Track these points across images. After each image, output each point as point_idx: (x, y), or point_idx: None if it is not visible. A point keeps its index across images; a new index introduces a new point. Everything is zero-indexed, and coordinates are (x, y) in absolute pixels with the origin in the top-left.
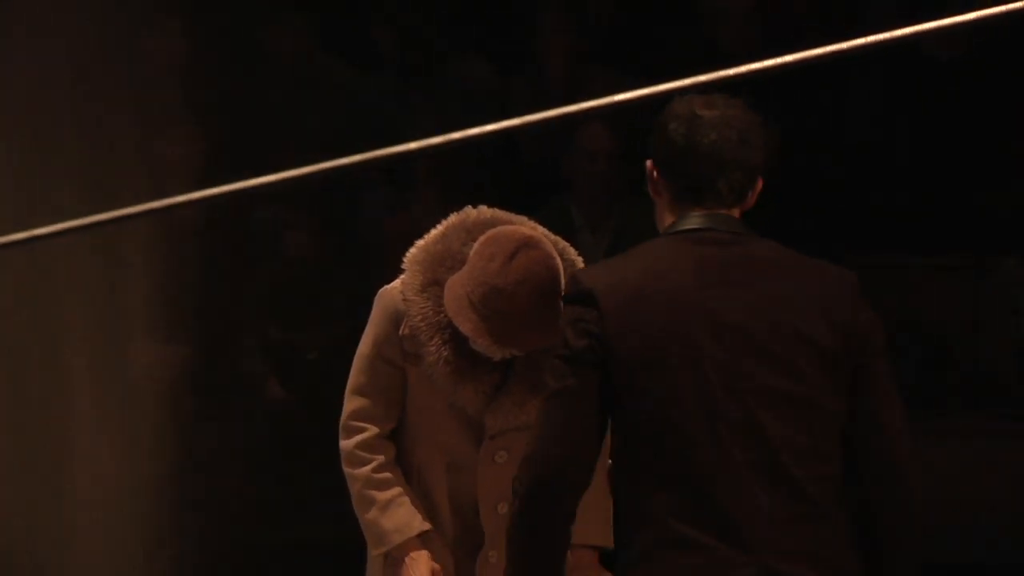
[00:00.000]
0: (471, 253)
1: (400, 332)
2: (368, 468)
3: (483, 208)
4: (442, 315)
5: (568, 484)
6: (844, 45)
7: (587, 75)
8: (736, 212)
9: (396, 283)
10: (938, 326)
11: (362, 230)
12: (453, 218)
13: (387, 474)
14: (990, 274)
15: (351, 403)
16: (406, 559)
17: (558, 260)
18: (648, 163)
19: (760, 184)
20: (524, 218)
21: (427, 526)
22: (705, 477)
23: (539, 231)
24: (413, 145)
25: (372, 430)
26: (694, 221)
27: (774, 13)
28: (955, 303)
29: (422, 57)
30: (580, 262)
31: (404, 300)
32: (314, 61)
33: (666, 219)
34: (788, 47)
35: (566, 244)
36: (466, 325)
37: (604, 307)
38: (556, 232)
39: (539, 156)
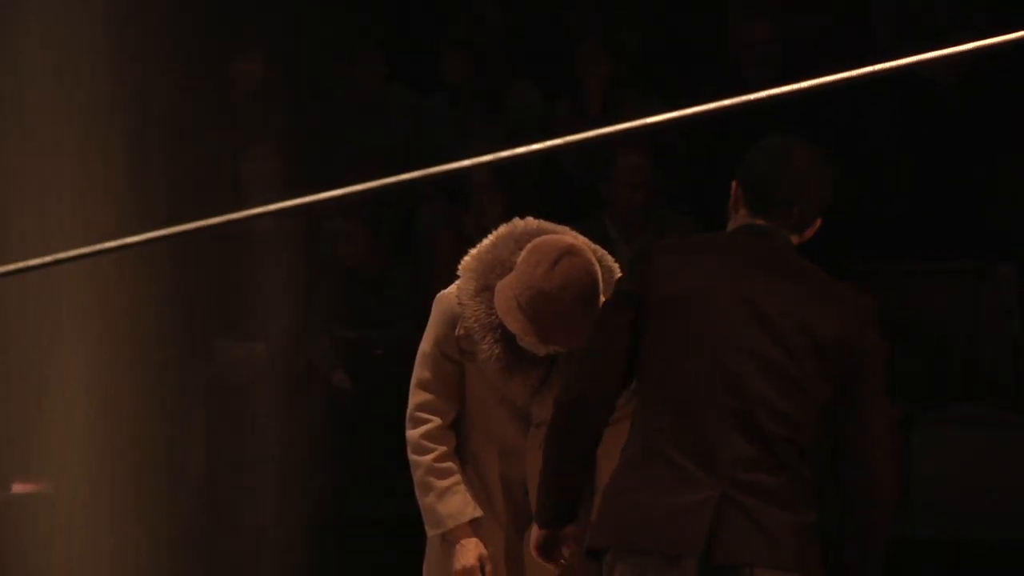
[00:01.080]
0: (519, 260)
1: (456, 333)
2: (430, 457)
3: (529, 219)
4: (493, 317)
5: (597, 396)
6: (854, 72)
7: (622, 99)
8: (795, 238)
9: (452, 288)
10: (939, 325)
11: (421, 239)
12: (503, 229)
13: (447, 463)
14: (987, 279)
15: (416, 396)
16: (457, 544)
17: (597, 266)
18: (734, 183)
19: (819, 223)
20: (567, 228)
21: (479, 513)
22: (694, 412)
23: (580, 240)
24: (467, 162)
25: (436, 421)
26: (757, 226)
27: (792, 43)
28: (955, 305)
29: (477, 84)
30: (617, 269)
31: (460, 304)
32: (380, 88)
33: None
34: (804, 74)
35: (604, 252)
36: (515, 325)
37: (656, 262)
38: (594, 243)
39: (579, 174)
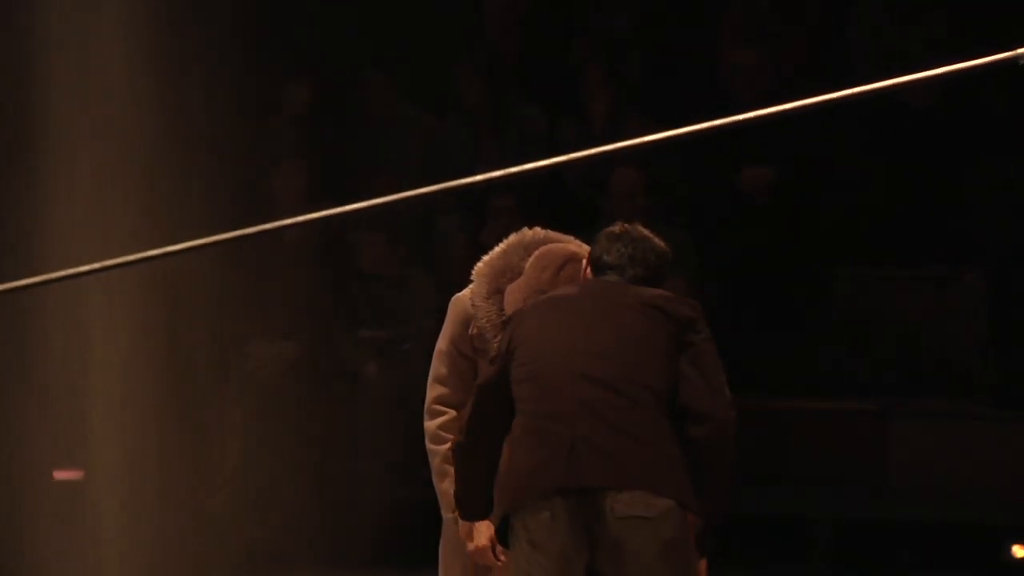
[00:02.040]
0: (527, 266)
1: (470, 331)
2: (447, 446)
3: (537, 229)
4: (504, 317)
5: (490, 438)
6: (835, 95)
7: (622, 120)
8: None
9: (466, 291)
10: (913, 326)
11: (438, 247)
12: (513, 238)
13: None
14: (956, 285)
15: (433, 390)
16: (471, 526)
17: None
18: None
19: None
20: (571, 238)
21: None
22: (549, 386)
23: (583, 248)
24: (479, 177)
25: (451, 413)
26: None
27: (777, 69)
28: (927, 308)
29: (488, 105)
30: None
31: (473, 305)
32: (397, 110)
33: None
34: (789, 96)
35: None
36: None
37: (514, 323)
38: None
39: (582, 189)
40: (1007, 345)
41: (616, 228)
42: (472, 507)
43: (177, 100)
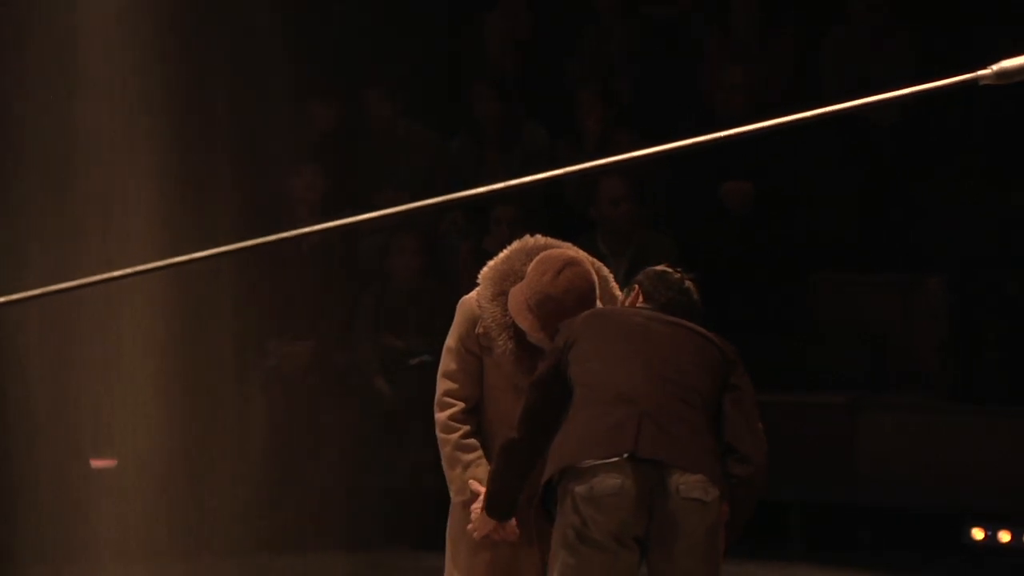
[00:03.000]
0: (528, 269)
1: (476, 331)
2: (457, 435)
3: (538, 236)
4: (507, 318)
5: (540, 438)
6: (809, 114)
7: (614, 137)
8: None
9: (472, 294)
10: (880, 327)
11: (443, 253)
12: (515, 244)
13: (471, 440)
14: (919, 289)
15: (443, 384)
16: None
17: (594, 274)
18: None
19: None
20: (569, 244)
21: None
22: (616, 372)
23: (581, 253)
24: (482, 189)
25: (460, 405)
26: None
27: (756, 89)
28: (893, 310)
29: (490, 122)
30: (611, 277)
31: (479, 306)
32: (406, 127)
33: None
34: (767, 115)
35: (600, 263)
36: (525, 324)
37: (570, 325)
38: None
39: (578, 200)
40: (965, 345)
41: (660, 270)
42: (503, 505)
43: (201, 114)
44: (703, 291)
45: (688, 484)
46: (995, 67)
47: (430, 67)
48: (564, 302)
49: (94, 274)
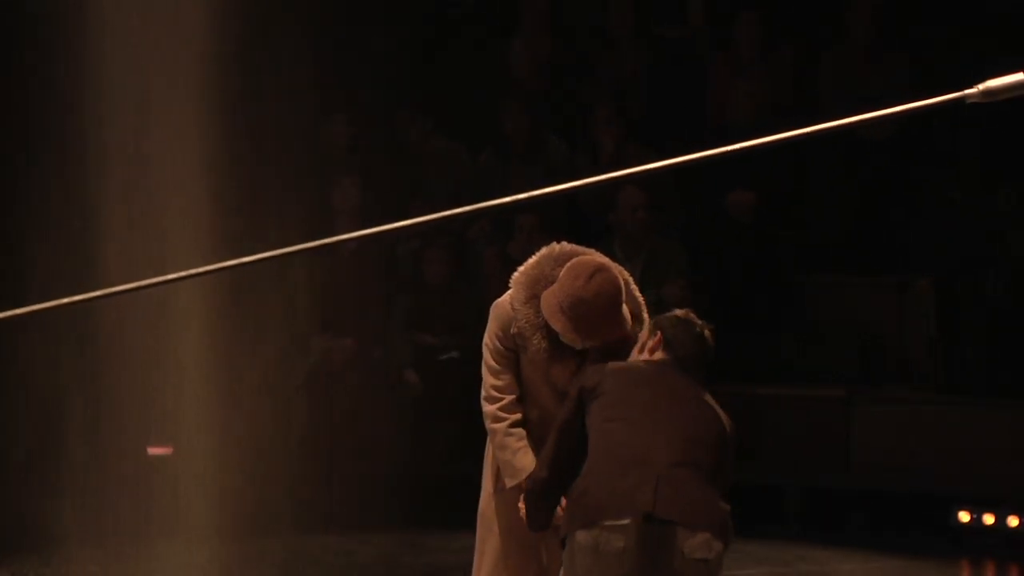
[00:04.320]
0: (561, 274)
1: (511, 331)
2: (506, 424)
3: (563, 243)
4: (540, 319)
5: (561, 481)
6: (808, 130)
7: (628, 151)
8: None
9: (505, 297)
10: (872, 326)
11: (472, 258)
12: (544, 251)
13: (519, 429)
14: (909, 290)
15: (489, 380)
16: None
17: (621, 280)
18: (659, 332)
19: None
20: (592, 250)
21: None
22: (637, 431)
23: (606, 259)
24: (507, 199)
25: (508, 397)
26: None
27: (761, 107)
28: (885, 310)
29: (517, 137)
30: (632, 280)
31: (513, 309)
32: (437, 142)
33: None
34: (770, 130)
35: (622, 269)
36: (558, 325)
37: (596, 372)
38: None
39: (594, 209)
40: (952, 341)
41: (683, 316)
42: (542, 525)
43: (251, 132)
44: (707, 293)
45: (693, 545)
46: (981, 86)
47: (460, 87)
48: (595, 304)
49: (152, 276)
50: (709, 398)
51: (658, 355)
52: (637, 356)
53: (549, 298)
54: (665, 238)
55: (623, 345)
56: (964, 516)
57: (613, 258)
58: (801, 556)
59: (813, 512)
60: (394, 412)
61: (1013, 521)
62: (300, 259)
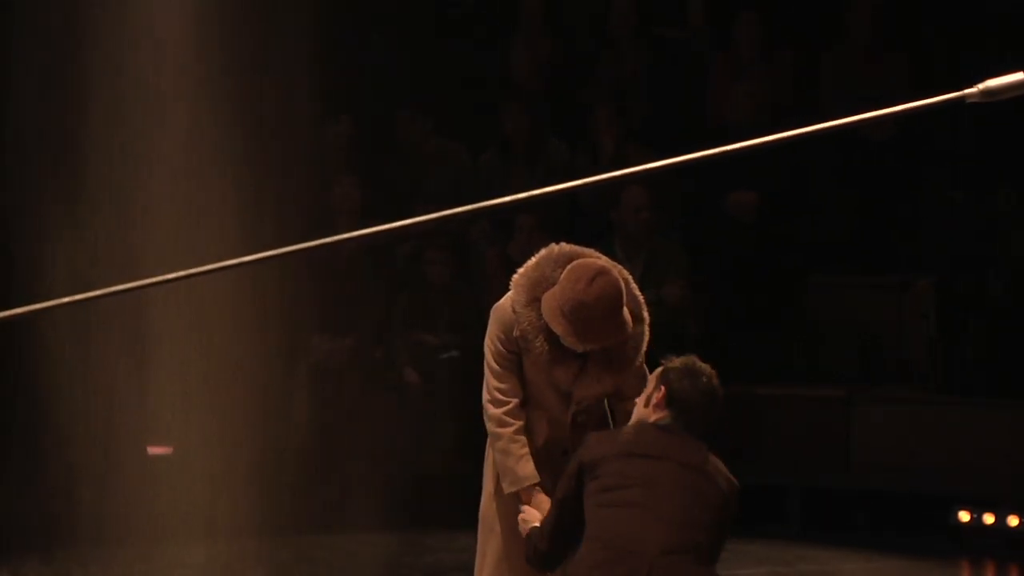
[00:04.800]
0: (561, 277)
1: (514, 334)
2: (510, 429)
3: (563, 244)
4: (542, 321)
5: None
6: (808, 129)
7: (628, 151)
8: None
9: (505, 300)
10: (873, 326)
11: (472, 258)
12: (543, 252)
13: (522, 436)
14: (909, 290)
15: (493, 383)
16: (535, 496)
17: (622, 282)
18: (663, 388)
19: None
20: (592, 250)
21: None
22: (628, 519)
23: (608, 262)
24: (507, 199)
25: (512, 401)
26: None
27: (761, 106)
28: (885, 310)
29: (518, 138)
30: (631, 279)
31: (514, 312)
32: (437, 142)
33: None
34: (770, 130)
35: (622, 268)
36: (559, 328)
37: (596, 448)
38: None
39: (595, 209)
40: (952, 342)
41: (690, 365)
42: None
43: (253, 132)
44: (707, 293)
45: None
46: (981, 86)
47: (460, 87)
48: (596, 308)
49: (155, 275)
50: (713, 462)
51: (662, 414)
52: (641, 411)
53: (550, 301)
54: (665, 238)
55: (623, 347)
56: (964, 516)
57: (613, 257)
58: (801, 556)
59: (813, 512)
60: (394, 412)
61: (1013, 521)
62: (300, 259)
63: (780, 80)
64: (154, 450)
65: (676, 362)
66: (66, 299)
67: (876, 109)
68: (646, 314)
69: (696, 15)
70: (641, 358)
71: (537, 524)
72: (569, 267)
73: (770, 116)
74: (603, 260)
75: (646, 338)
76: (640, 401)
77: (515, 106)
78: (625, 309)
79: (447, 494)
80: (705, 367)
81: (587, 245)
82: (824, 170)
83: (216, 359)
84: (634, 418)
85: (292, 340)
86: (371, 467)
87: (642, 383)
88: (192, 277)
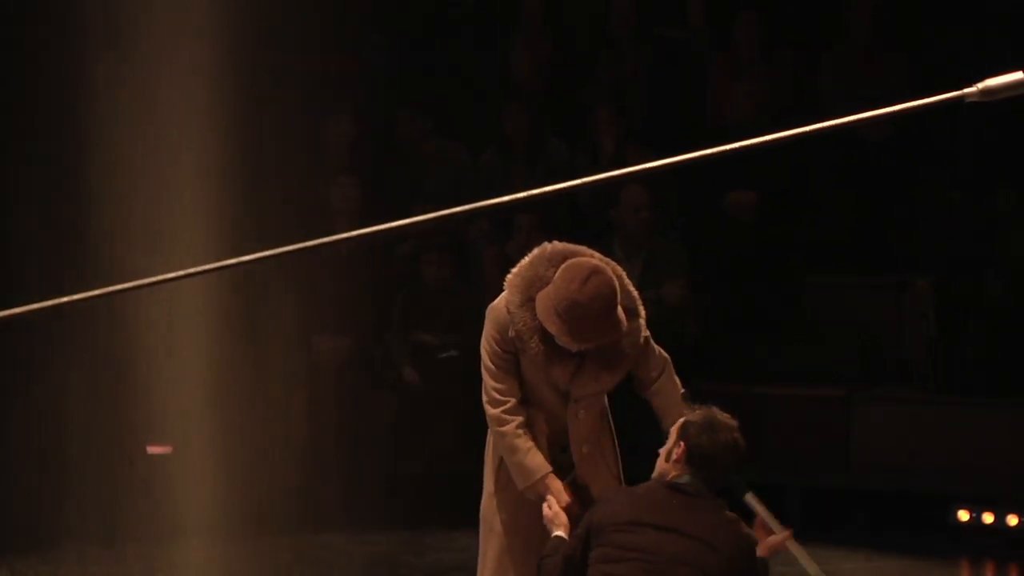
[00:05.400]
0: (555, 277)
1: (509, 335)
2: (512, 426)
3: (556, 243)
4: (537, 321)
5: None
6: (807, 128)
7: (628, 151)
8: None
9: (500, 300)
10: (873, 326)
11: (471, 257)
12: (536, 251)
13: (524, 431)
14: (908, 290)
15: (491, 383)
16: (551, 485)
17: (616, 281)
18: (682, 444)
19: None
20: (586, 248)
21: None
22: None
23: (597, 255)
24: (507, 199)
25: (512, 401)
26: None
27: (760, 106)
28: (885, 310)
29: (518, 138)
30: (625, 275)
31: (509, 312)
32: (437, 142)
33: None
34: (769, 129)
35: (615, 264)
36: (553, 328)
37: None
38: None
39: (594, 208)
40: (952, 341)
41: (711, 419)
42: None
43: (251, 128)
44: (707, 293)
45: None
46: (980, 85)
47: (460, 87)
48: (590, 308)
49: (155, 274)
50: (726, 528)
51: (680, 470)
52: (662, 465)
53: (544, 300)
54: (665, 238)
55: (619, 345)
56: (963, 515)
57: (613, 257)
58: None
59: (813, 512)
60: (394, 412)
61: (1012, 520)
62: (300, 259)
63: (780, 80)
64: (154, 450)
65: (696, 415)
66: (65, 299)
67: (876, 109)
68: (642, 309)
69: (696, 15)
70: (648, 341)
71: (562, 533)
72: (563, 267)
73: (770, 116)
74: (596, 259)
75: (643, 332)
76: (662, 454)
77: (515, 106)
78: (619, 308)
79: (447, 494)
80: (725, 419)
81: (587, 245)
82: (823, 170)
83: (216, 359)
84: (656, 471)
85: (291, 340)
86: (371, 467)
87: (656, 359)
88: (192, 277)
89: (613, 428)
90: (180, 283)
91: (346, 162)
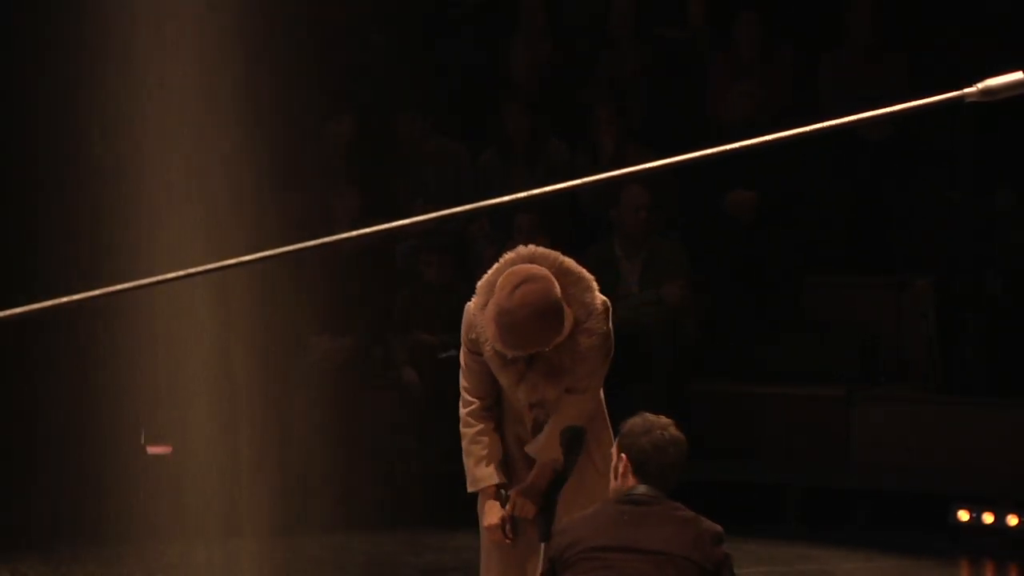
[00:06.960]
0: (496, 285)
1: (471, 336)
2: (473, 431)
3: (531, 246)
4: None
5: None
6: (807, 129)
7: (628, 151)
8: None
9: (471, 302)
10: (872, 325)
11: (471, 257)
12: (508, 255)
13: (485, 437)
14: (908, 290)
15: (462, 382)
16: (486, 503)
17: (555, 291)
18: (624, 456)
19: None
20: (557, 253)
21: (502, 480)
22: None
23: (561, 267)
24: (507, 199)
25: (477, 403)
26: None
27: (759, 106)
28: (884, 309)
29: (518, 138)
30: (593, 283)
31: (472, 315)
32: (436, 142)
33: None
34: (769, 129)
35: (584, 274)
36: (489, 334)
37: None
38: (601, 262)
39: (594, 208)
40: (952, 341)
41: (643, 422)
42: None
43: (251, 128)
44: (707, 293)
45: None
46: (980, 85)
47: (460, 87)
48: (517, 315)
49: (152, 275)
50: (682, 525)
51: (631, 482)
52: (613, 484)
53: (489, 307)
54: (665, 238)
55: (560, 356)
56: (963, 515)
57: (613, 257)
58: (801, 555)
59: (813, 511)
60: (394, 411)
61: (1012, 520)
62: (300, 259)
63: (780, 80)
64: (154, 450)
65: (628, 425)
66: (65, 299)
67: (876, 109)
68: (600, 324)
69: (696, 15)
70: (597, 363)
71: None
72: (503, 274)
73: (770, 116)
74: (543, 269)
75: (596, 346)
76: (612, 476)
77: (515, 106)
78: (560, 317)
79: (446, 494)
80: (659, 418)
81: (586, 245)
82: (823, 170)
83: (216, 360)
84: (610, 493)
85: (291, 340)
86: (371, 467)
87: (584, 380)
88: (191, 277)
89: (610, 431)
90: (179, 284)
91: (346, 162)
